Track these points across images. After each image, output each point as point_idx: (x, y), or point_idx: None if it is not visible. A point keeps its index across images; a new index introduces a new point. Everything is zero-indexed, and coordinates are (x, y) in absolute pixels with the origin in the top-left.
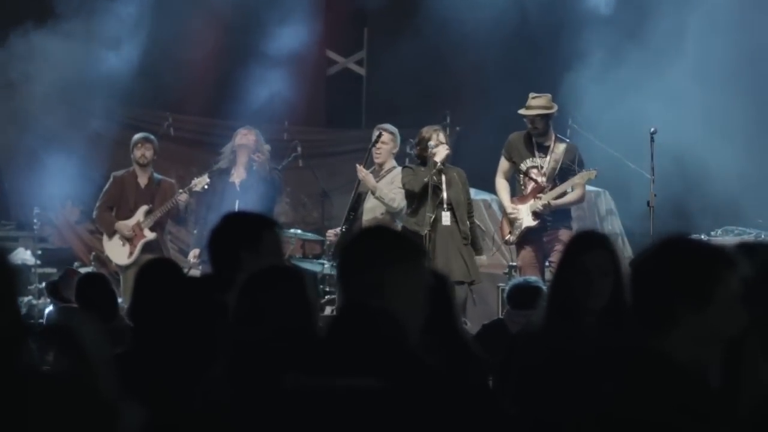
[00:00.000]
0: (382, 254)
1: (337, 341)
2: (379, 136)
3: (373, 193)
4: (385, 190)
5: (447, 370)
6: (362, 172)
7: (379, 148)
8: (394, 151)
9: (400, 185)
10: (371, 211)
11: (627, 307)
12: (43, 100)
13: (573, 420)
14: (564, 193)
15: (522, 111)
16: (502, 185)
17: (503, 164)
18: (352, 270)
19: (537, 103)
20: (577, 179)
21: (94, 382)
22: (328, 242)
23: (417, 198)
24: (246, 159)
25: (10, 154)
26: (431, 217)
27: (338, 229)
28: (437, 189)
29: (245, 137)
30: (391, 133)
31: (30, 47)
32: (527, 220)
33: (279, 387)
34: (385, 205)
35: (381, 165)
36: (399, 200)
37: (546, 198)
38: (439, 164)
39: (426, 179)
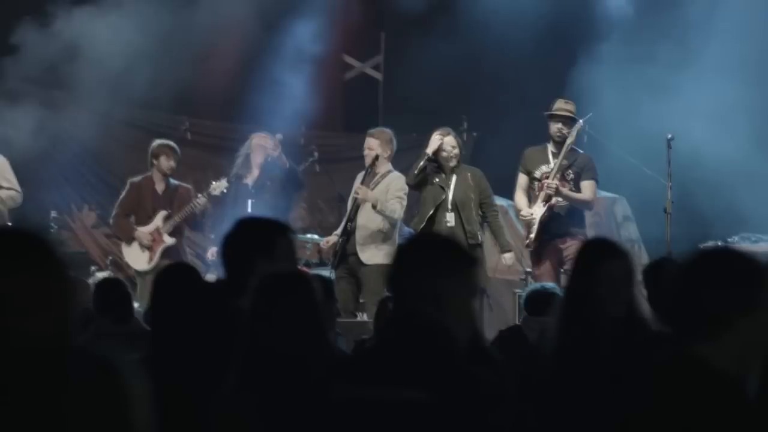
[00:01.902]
0: (441, 262)
1: (391, 350)
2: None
3: (374, 207)
4: (385, 202)
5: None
6: (362, 191)
7: (366, 156)
8: (386, 155)
9: (396, 193)
10: (364, 227)
11: (641, 315)
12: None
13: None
14: (574, 189)
15: (553, 111)
16: (519, 197)
17: (521, 179)
18: (409, 277)
19: (568, 107)
20: (569, 140)
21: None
22: (309, 250)
23: (419, 195)
24: (261, 159)
25: (28, 157)
26: (445, 220)
27: (334, 236)
28: (441, 189)
29: (262, 139)
30: (371, 136)
31: (72, 27)
32: (538, 212)
33: (327, 397)
34: (387, 217)
35: (375, 167)
36: (399, 211)
37: (551, 180)
38: (429, 155)
39: (416, 171)
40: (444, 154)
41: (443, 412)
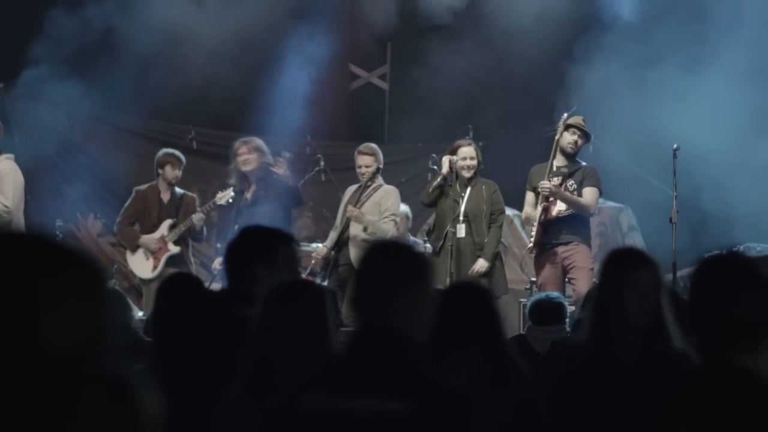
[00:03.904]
0: (414, 270)
1: (361, 360)
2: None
3: (365, 230)
4: (376, 223)
5: (490, 386)
6: (354, 212)
7: (363, 174)
8: (381, 167)
9: (391, 209)
10: (358, 236)
11: (667, 325)
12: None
13: None
14: (574, 191)
15: (573, 122)
16: (528, 214)
17: (528, 197)
18: (382, 285)
19: (585, 125)
20: (557, 135)
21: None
22: (314, 260)
23: (434, 211)
24: (251, 169)
25: (33, 166)
26: (452, 231)
27: (324, 248)
28: (455, 202)
29: (249, 160)
30: (366, 153)
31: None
32: (536, 214)
33: (299, 407)
34: (378, 237)
35: (372, 182)
36: (391, 231)
37: (544, 181)
38: (442, 173)
39: (430, 189)
40: (460, 163)
41: (417, 422)
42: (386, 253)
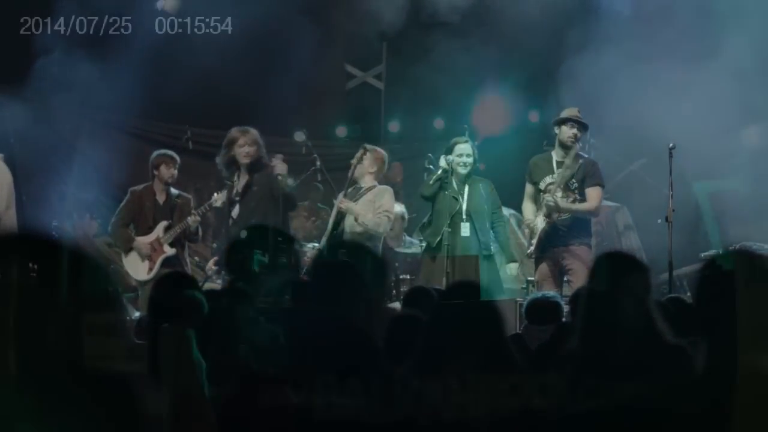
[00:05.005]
0: (376, 270)
1: (321, 356)
2: (363, 155)
3: (356, 220)
4: (368, 216)
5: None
6: (344, 203)
7: (352, 164)
8: (372, 170)
9: (386, 206)
10: (351, 233)
11: (659, 326)
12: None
13: None
14: (579, 197)
15: (569, 116)
16: (527, 207)
17: (528, 189)
18: (337, 284)
19: (580, 116)
20: (572, 150)
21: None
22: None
23: (432, 207)
24: (247, 161)
25: (29, 166)
26: (449, 231)
27: (318, 244)
28: (455, 200)
29: (249, 153)
30: (370, 151)
31: None
32: (540, 224)
33: (259, 402)
34: (368, 230)
35: (358, 182)
36: (384, 225)
37: (552, 192)
38: (441, 170)
39: (431, 182)
40: (457, 160)
41: (377, 417)
42: (346, 252)
